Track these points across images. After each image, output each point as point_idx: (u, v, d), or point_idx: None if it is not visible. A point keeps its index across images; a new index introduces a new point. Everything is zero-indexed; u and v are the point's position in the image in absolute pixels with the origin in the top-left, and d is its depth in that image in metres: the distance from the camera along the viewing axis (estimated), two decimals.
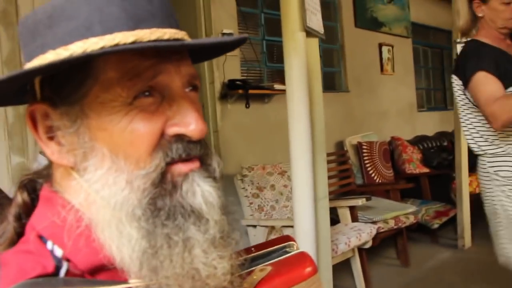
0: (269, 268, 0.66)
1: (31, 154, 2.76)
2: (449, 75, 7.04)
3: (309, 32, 2.36)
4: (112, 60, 0.52)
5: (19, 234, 0.57)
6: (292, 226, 2.58)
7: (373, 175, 4.56)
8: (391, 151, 5.05)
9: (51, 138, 0.55)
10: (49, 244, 0.53)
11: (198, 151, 0.55)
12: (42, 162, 1.92)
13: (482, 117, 1.97)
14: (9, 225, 0.57)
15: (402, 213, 3.69)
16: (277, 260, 0.71)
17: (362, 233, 3.13)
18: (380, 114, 5.53)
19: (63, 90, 0.53)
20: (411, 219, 3.71)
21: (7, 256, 0.53)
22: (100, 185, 0.52)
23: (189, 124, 0.53)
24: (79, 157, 0.54)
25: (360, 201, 3.34)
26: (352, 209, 3.41)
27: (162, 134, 0.53)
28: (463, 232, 4.13)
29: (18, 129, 2.72)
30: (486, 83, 1.90)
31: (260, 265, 0.68)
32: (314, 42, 2.48)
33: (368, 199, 3.43)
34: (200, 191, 0.54)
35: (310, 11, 2.34)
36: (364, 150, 4.60)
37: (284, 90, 3.65)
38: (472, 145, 2.10)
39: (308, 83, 2.35)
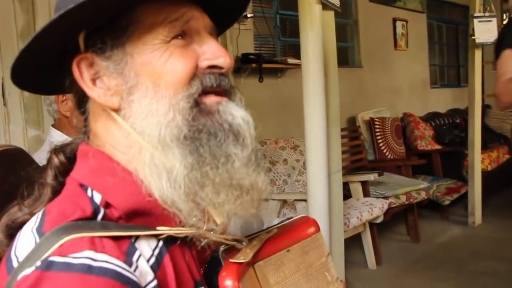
0: (275, 230, 0.71)
1: (46, 127, 2.79)
2: (463, 52, 6.97)
3: (325, 5, 2.34)
4: (153, 7, 0.59)
5: (59, 192, 0.60)
6: (305, 200, 2.60)
7: (384, 151, 4.56)
8: (403, 127, 5.04)
9: (96, 84, 0.60)
10: (89, 191, 0.57)
11: (227, 84, 0.63)
12: (53, 135, 1.92)
13: None
14: (47, 186, 0.61)
15: (414, 188, 3.70)
16: (283, 224, 0.76)
17: (374, 208, 3.14)
18: (393, 90, 5.49)
19: (108, 37, 0.59)
20: (423, 195, 3.72)
21: (50, 205, 0.57)
22: (145, 114, 0.58)
23: (219, 56, 0.61)
24: (125, 93, 0.59)
25: (372, 176, 3.35)
26: (364, 184, 3.43)
27: (196, 68, 0.60)
28: (474, 209, 4.14)
29: (33, 103, 2.74)
30: (506, 60, 1.86)
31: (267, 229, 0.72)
32: (330, 15, 2.45)
33: (380, 175, 3.44)
34: (236, 113, 0.61)
35: None
36: (377, 126, 4.59)
37: (297, 65, 3.65)
38: None
39: (324, 57, 2.34)
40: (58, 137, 1.76)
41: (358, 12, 4.95)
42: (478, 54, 4.10)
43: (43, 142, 2.76)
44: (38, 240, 0.51)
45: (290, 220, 0.78)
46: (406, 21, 5.56)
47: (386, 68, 5.37)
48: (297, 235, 0.73)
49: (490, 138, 5.42)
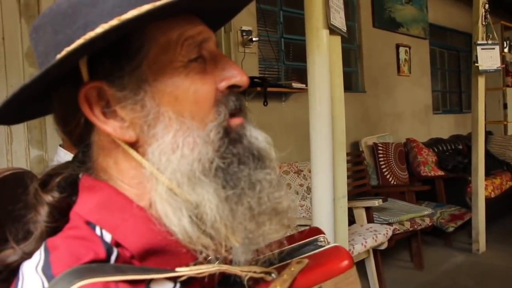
0: (306, 261, 0.67)
1: (49, 147, 2.78)
2: (465, 78, 7.01)
3: (332, 30, 2.34)
4: (164, 25, 0.54)
5: (54, 229, 0.56)
6: (308, 226, 2.56)
7: (388, 176, 4.53)
8: (406, 152, 5.02)
9: (107, 116, 0.55)
10: (98, 230, 0.53)
11: (244, 102, 0.60)
12: (61, 155, 1.90)
13: None
14: (39, 223, 0.56)
15: (418, 215, 3.66)
16: (313, 253, 0.72)
17: (378, 234, 3.10)
18: (396, 115, 5.50)
19: (118, 62, 0.54)
20: (427, 222, 3.68)
21: (56, 241, 0.52)
22: (170, 149, 0.53)
23: (236, 75, 0.58)
24: (145, 126, 0.54)
25: (376, 202, 3.31)
26: (368, 209, 3.40)
27: (217, 90, 0.57)
28: (478, 236, 4.09)
29: (37, 122, 2.74)
30: None
31: (296, 258, 0.69)
32: (337, 40, 2.46)
33: (384, 201, 3.41)
34: (259, 135, 0.59)
35: (334, 9, 2.32)
36: (380, 151, 4.58)
37: (301, 89, 3.67)
38: None
39: (330, 81, 2.34)
40: (66, 157, 1.75)
41: (361, 37, 4.99)
42: (481, 81, 4.11)
43: (46, 163, 2.75)
44: (46, 284, 0.47)
45: (321, 250, 0.74)
46: (409, 47, 5.60)
47: (389, 93, 5.38)
48: (330, 269, 0.67)
49: (493, 165, 5.40)
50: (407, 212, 3.65)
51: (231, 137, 0.56)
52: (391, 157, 4.64)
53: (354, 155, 4.46)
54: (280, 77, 4.13)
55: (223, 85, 0.57)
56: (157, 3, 0.50)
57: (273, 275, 0.61)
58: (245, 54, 3.57)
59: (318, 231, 0.78)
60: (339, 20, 2.39)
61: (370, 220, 3.39)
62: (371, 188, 4.39)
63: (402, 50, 5.51)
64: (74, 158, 0.62)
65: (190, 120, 0.54)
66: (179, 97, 0.54)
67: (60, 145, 1.91)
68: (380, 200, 3.35)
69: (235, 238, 0.55)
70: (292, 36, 4.19)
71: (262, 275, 0.60)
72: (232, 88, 0.58)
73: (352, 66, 5.01)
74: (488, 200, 4.29)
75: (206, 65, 0.57)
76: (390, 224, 3.41)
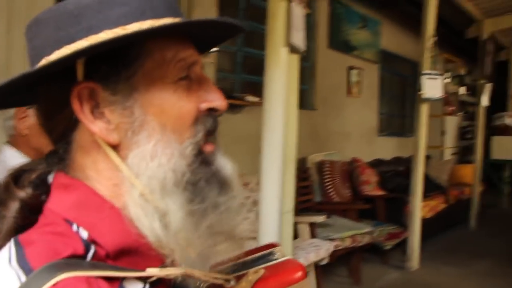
0: (262, 271, 0.72)
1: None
2: (409, 103, 7.33)
3: (292, 48, 2.43)
4: (161, 43, 0.58)
5: (22, 226, 0.57)
6: (254, 238, 2.61)
7: (332, 193, 4.67)
8: (350, 171, 5.19)
9: (95, 116, 0.58)
10: (74, 227, 0.54)
11: (218, 127, 0.64)
12: (7, 153, 1.82)
13: None
14: (7, 219, 0.57)
15: (359, 232, 3.80)
16: (270, 264, 0.77)
17: (320, 250, 3.19)
18: (344, 134, 5.68)
19: (116, 68, 0.57)
20: (367, 239, 3.82)
21: (31, 236, 0.53)
22: (149, 156, 0.56)
23: (217, 99, 0.62)
24: (130, 131, 0.57)
25: (321, 218, 3.41)
26: (312, 225, 3.49)
27: (197, 109, 0.61)
28: (413, 254, 4.29)
29: None
30: None
31: (254, 268, 0.73)
32: (295, 58, 2.54)
33: (327, 217, 3.51)
34: (226, 164, 0.63)
35: (295, 28, 2.41)
36: (326, 169, 4.71)
37: (255, 103, 3.73)
38: None
39: (286, 98, 2.41)
40: (13, 156, 1.69)
41: (316, 57, 5.13)
42: (425, 107, 4.32)
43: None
44: (23, 277, 0.48)
45: (277, 261, 0.78)
46: (361, 70, 5.82)
47: (339, 113, 5.56)
48: (285, 279, 0.72)
49: (430, 187, 5.67)
50: (349, 229, 3.78)
51: (203, 158, 0.60)
52: (336, 175, 4.78)
53: (301, 171, 4.56)
54: (235, 89, 4.18)
55: (204, 106, 0.61)
56: (159, 22, 0.56)
57: (232, 282, 0.65)
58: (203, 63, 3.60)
59: (274, 245, 0.84)
60: (299, 39, 2.47)
61: (313, 235, 3.48)
62: (315, 204, 4.50)
63: (353, 72, 5.71)
64: (50, 154, 0.63)
65: (171, 133, 0.58)
66: (165, 110, 0.58)
67: (7, 142, 1.82)
68: (324, 216, 3.46)
69: (192, 251, 0.59)
70: (251, 50, 4.26)
71: (222, 281, 0.64)
72: (211, 110, 0.62)
73: (304, 84, 5.14)
74: (423, 220, 4.51)
75: (191, 85, 0.61)
76: (332, 240, 3.52)
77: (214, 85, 0.63)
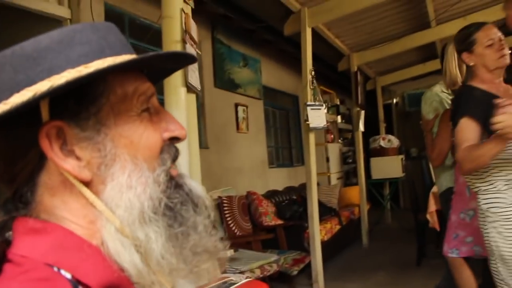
0: None
1: None
2: (294, 135, 7.72)
3: (189, 88, 2.49)
4: (121, 78, 0.61)
5: None
6: None
7: (233, 228, 4.73)
8: (248, 204, 5.31)
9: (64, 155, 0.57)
10: (55, 270, 0.52)
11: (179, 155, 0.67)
12: None
13: None
14: None
15: (266, 262, 3.88)
16: (238, 284, 0.80)
17: (235, 284, 3.21)
18: (237, 170, 5.81)
19: (82, 105, 0.57)
20: (275, 267, 3.91)
21: (14, 285, 0.50)
22: (125, 188, 0.57)
23: (178, 129, 0.65)
24: (102, 166, 0.58)
25: (229, 253, 3.44)
26: None
27: (161, 139, 0.64)
28: (317, 276, 4.47)
29: None
30: (465, 129, 1.98)
31: None
32: (193, 98, 2.60)
33: (235, 251, 3.55)
34: (195, 184, 0.66)
35: (191, 69, 2.48)
36: (225, 204, 4.77)
37: None
38: (468, 183, 2.13)
39: (188, 137, 2.45)
40: None
41: (204, 96, 5.25)
42: (312, 136, 4.60)
43: None
44: None
45: (241, 283, 0.82)
46: (247, 106, 6.05)
47: (230, 149, 5.69)
48: None
49: (323, 212, 5.99)
50: (256, 260, 3.84)
51: (175, 183, 0.63)
52: (235, 209, 4.87)
53: None
54: None
55: (166, 135, 0.64)
56: (120, 59, 0.58)
57: None
58: None
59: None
60: (195, 79, 2.55)
61: (222, 270, 3.48)
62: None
63: (240, 109, 5.92)
64: (11, 200, 0.60)
65: (143, 162, 0.60)
66: (134, 141, 0.60)
67: None
68: (232, 250, 3.49)
69: (178, 275, 0.61)
70: None
71: None
72: (172, 140, 0.65)
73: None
74: (322, 243, 4.74)
75: (152, 117, 0.64)
76: (242, 272, 3.55)
77: (172, 115, 0.67)
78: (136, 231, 0.57)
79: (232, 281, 0.87)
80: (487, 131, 1.89)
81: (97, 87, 0.58)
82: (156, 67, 0.68)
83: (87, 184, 0.58)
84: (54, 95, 0.55)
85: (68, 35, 0.57)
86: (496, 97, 1.91)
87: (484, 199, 2.01)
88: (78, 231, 0.57)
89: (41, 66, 0.55)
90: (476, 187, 2.06)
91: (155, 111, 0.65)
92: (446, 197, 3.23)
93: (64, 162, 0.56)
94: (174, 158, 0.65)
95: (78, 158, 0.57)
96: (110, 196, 0.57)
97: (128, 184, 0.58)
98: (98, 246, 0.57)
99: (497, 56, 2.00)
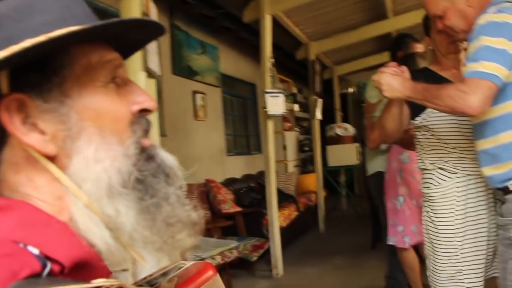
0: (175, 279, 0.74)
1: None
2: (251, 123, 7.74)
3: (149, 73, 2.45)
4: (86, 48, 0.58)
5: None
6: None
7: None
8: (206, 192, 5.30)
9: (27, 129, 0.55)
10: (21, 246, 0.50)
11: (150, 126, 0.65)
12: None
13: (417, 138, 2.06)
14: None
15: (226, 248, 3.91)
16: (180, 271, 0.79)
17: None
18: (195, 158, 5.77)
19: (46, 76, 0.55)
20: (235, 254, 3.95)
21: None
22: (92, 162, 0.55)
23: (147, 100, 0.63)
24: (68, 140, 0.55)
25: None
26: None
27: (130, 112, 0.62)
28: (277, 262, 4.53)
29: None
30: None
31: (166, 278, 0.76)
32: (153, 83, 2.57)
33: None
34: (167, 155, 0.64)
35: (151, 52, 2.44)
36: (184, 192, 4.74)
37: None
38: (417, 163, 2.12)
39: None
40: None
41: (162, 83, 5.17)
42: (270, 124, 4.63)
43: None
44: None
45: (186, 267, 0.81)
46: (205, 94, 6.01)
47: (188, 137, 5.65)
48: (200, 279, 0.76)
49: (281, 199, 6.07)
50: (217, 246, 3.86)
51: (146, 155, 0.60)
52: (195, 197, 4.85)
53: None
54: None
55: (135, 108, 0.62)
56: (84, 26, 0.55)
57: None
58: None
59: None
60: (155, 63, 2.51)
61: (184, 257, 3.47)
62: None
63: (198, 96, 5.87)
64: None
65: (110, 135, 0.57)
66: (100, 113, 0.57)
67: None
68: None
69: (152, 246, 0.60)
70: None
71: None
72: (142, 111, 0.63)
73: None
74: (281, 229, 4.81)
75: (119, 89, 0.61)
76: (203, 259, 3.55)
77: (140, 87, 0.65)
78: (105, 206, 0.55)
79: (181, 265, 0.85)
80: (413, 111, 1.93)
81: (59, 58, 0.56)
82: (123, 38, 0.64)
83: (52, 158, 0.55)
84: (14, 66, 0.53)
85: (27, 3, 0.55)
86: (442, 78, 1.95)
87: (422, 178, 2.04)
88: (44, 208, 0.55)
89: (0, 35, 0.53)
90: (419, 168, 2.08)
91: (123, 83, 0.63)
92: (375, 180, 3.36)
93: (26, 136, 0.54)
94: (146, 130, 0.63)
95: (42, 132, 0.55)
96: (76, 170, 0.55)
97: (95, 157, 0.55)
98: (66, 222, 0.55)
99: (447, 41, 1.98)
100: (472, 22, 1.66)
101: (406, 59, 3.07)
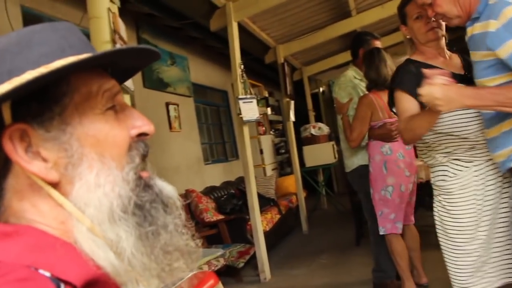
0: (184, 286, 0.77)
1: None
2: (226, 130, 7.75)
3: (124, 89, 2.44)
4: (85, 77, 0.60)
5: None
6: None
7: None
8: (188, 203, 5.28)
9: (30, 157, 0.56)
10: (33, 270, 0.51)
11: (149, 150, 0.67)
12: None
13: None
14: None
15: (213, 257, 3.91)
16: (185, 279, 0.82)
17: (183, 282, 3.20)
18: (173, 169, 5.75)
19: (47, 105, 0.57)
20: (221, 262, 3.95)
21: None
22: (93, 187, 0.57)
23: (145, 124, 0.65)
24: (69, 166, 0.57)
25: None
26: None
27: (129, 136, 0.64)
28: (263, 266, 4.54)
29: None
30: (399, 100, 1.96)
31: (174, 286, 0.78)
32: (127, 99, 2.56)
33: None
34: (166, 185, 0.66)
35: None
36: None
37: None
38: (424, 159, 2.10)
39: None
40: None
41: (134, 97, 5.13)
42: (246, 129, 4.64)
43: None
44: None
45: (189, 276, 0.83)
46: (177, 105, 5.99)
47: (165, 149, 5.62)
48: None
49: (262, 203, 6.09)
50: (203, 256, 3.85)
51: (144, 183, 0.63)
52: None
53: None
54: None
55: (133, 132, 0.64)
56: (81, 57, 0.57)
57: None
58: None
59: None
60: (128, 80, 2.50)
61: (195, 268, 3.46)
62: None
63: (171, 108, 5.85)
64: None
65: (110, 160, 0.60)
66: (100, 139, 0.60)
67: None
68: None
69: (149, 273, 0.61)
70: None
71: None
72: (140, 136, 0.65)
73: None
74: (265, 233, 4.82)
75: (118, 114, 0.63)
76: (190, 270, 3.54)
77: (138, 112, 0.66)
78: (106, 231, 0.57)
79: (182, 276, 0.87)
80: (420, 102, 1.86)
81: (60, 87, 0.58)
82: (119, 65, 0.67)
83: (55, 185, 0.57)
84: (16, 97, 0.54)
85: (27, 36, 0.57)
86: (433, 67, 1.89)
87: (432, 172, 2.01)
88: (50, 232, 0.56)
89: (0, 68, 0.54)
90: (426, 163, 2.07)
91: (121, 108, 0.65)
92: (359, 173, 3.46)
93: (30, 164, 0.56)
94: (144, 154, 0.65)
95: (44, 160, 0.57)
96: (78, 195, 0.57)
97: (96, 182, 0.57)
98: (73, 244, 0.56)
99: (425, 29, 1.97)
100: (466, 6, 1.64)
101: (371, 54, 3.16)
